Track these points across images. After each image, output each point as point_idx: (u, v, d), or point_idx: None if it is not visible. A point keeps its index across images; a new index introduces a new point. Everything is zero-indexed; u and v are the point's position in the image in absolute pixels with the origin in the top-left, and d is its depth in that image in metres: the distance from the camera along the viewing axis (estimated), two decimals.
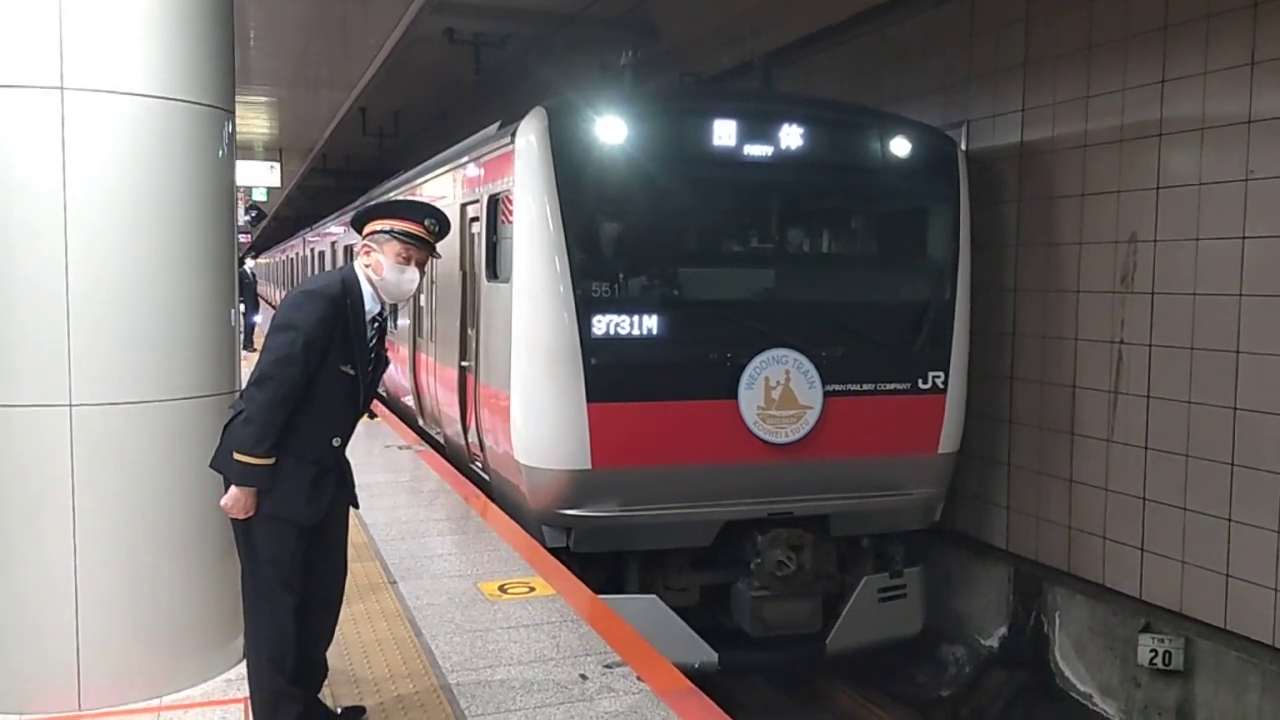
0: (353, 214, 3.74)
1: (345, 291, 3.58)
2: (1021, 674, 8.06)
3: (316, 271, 19.27)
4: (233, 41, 4.43)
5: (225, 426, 3.56)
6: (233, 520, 3.56)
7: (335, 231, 18.51)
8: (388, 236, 3.63)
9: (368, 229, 3.69)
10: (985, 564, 8.58)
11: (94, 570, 3.94)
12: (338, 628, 4.73)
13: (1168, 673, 6.87)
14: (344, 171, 25.24)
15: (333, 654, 4.42)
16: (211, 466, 3.58)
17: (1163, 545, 7.10)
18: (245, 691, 4.10)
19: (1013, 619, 8.28)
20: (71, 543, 3.90)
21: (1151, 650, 6.88)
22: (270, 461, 3.43)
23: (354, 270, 3.67)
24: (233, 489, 3.44)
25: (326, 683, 4.17)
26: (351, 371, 3.59)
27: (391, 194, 13.42)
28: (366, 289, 3.64)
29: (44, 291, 3.83)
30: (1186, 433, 6.88)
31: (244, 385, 3.70)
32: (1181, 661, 6.80)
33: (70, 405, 3.87)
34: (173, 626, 4.13)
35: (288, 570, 3.56)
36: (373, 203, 3.70)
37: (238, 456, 3.42)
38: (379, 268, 3.65)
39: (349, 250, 15.11)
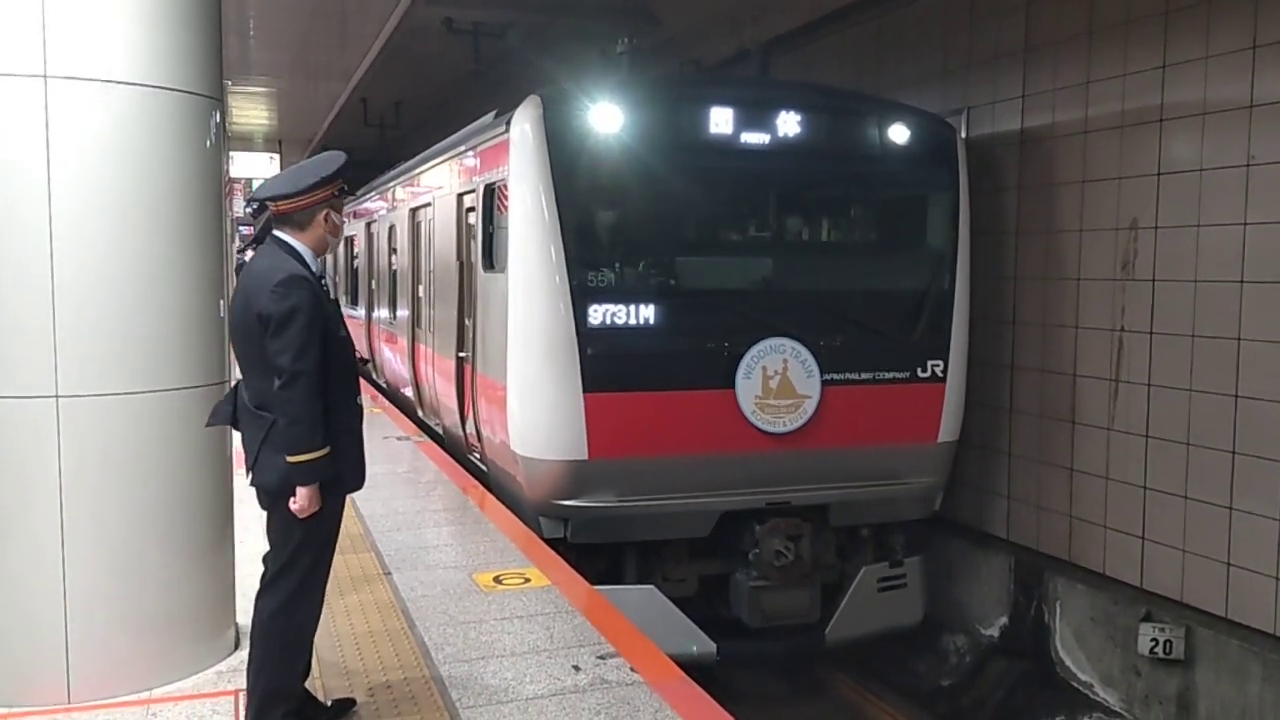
0: (279, 194, 3.67)
1: (303, 265, 3.63)
2: (1022, 663, 8.03)
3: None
4: (220, 30, 4.40)
5: (261, 442, 3.53)
6: (273, 515, 3.61)
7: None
8: (337, 197, 3.75)
9: (312, 200, 3.65)
10: (986, 553, 8.55)
11: (82, 563, 3.92)
12: (331, 619, 4.74)
13: (1169, 662, 6.84)
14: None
15: (325, 645, 4.42)
16: (255, 484, 3.61)
17: (1164, 534, 7.06)
18: (235, 684, 4.10)
19: (1013, 608, 8.25)
20: (59, 535, 3.88)
21: (1152, 639, 6.84)
22: (328, 450, 3.50)
23: (286, 243, 3.67)
24: (301, 491, 3.47)
25: (318, 675, 4.17)
26: (343, 333, 3.72)
27: (391, 185, 13.38)
28: (307, 254, 3.68)
29: (29, 283, 3.80)
30: (1187, 421, 6.83)
31: (239, 385, 3.71)
32: (1182, 651, 6.76)
33: (56, 397, 3.84)
34: (162, 619, 4.11)
35: (336, 538, 3.77)
36: (300, 185, 3.67)
37: (296, 459, 3.44)
38: (337, 229, 3.78)
39: (369, 236, 15.04)
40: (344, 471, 3.65)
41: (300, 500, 3.48)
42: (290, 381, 3.43)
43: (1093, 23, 7.46)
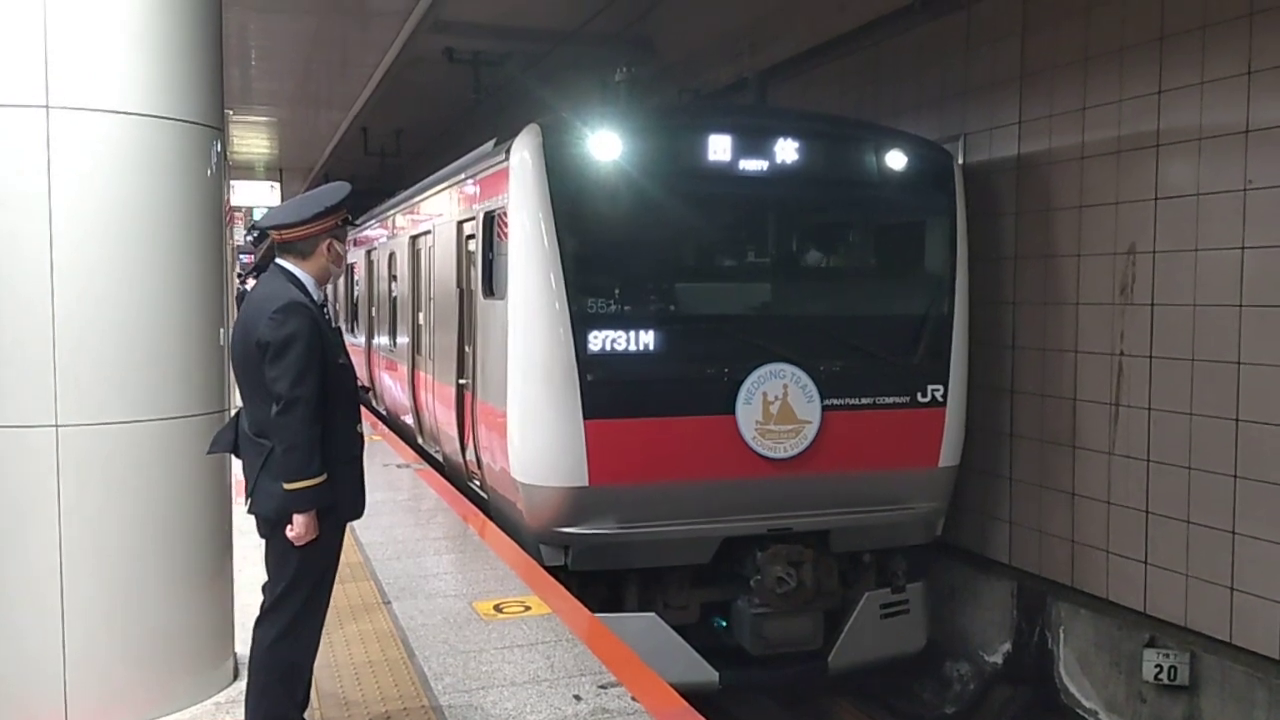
0: (282, 223, 3.68)
1: (304, 293, 3.64)
2: (1026, 690, 7.97)
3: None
4: (221, 60, 4.43)
5: (259, 469, 3.54)
6: (271, 543, 3.60)
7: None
8: (341, 228, 3.77)
9: (315, 230, 3.67)
10: (988, 579, 8.51)
11: (81, 592, 3.91)
12: (330, 649, 4.71)
13: (1173, 688, 6.79)
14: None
15: (323, 676, 4.39)
16: (252, 512, 3.61)
17: (1166, 558, 7.03)
18: (234, 715, 4.07)
19: (1016, 634, 8.21)
20: (58, 564, 3.87)
21: (1156, 665, 6.80)
22: (325, 477, 3.49)
23: (288, 271, 3.68)
24: (298, 518, 3.46)
25: (317, 705, 4.14)
26: (344, 361, 3.71)
27: (391, 213, 13.44)
28: (308, 282, 3.69)
29: (30, 311, 3.81)
30: (1188, 445, 6.82)
31: (242, 412, 3.71)
32: (1187, 676, 6.72)
33: (56, 426, 3.84)
34: (161, 649, 4.09)
35: (336, 567, 3.74)
36: (303, 215, 3.69)
37: (293, 486, 3.44)
38: (340, 258, 3.79)
39: (370, 264, 15.09)
40: (343, 500, 3.64)
41: (296, 528, 3.47)
42: (287, 408, 3.43)
43: (1088, 49, 7.52)
